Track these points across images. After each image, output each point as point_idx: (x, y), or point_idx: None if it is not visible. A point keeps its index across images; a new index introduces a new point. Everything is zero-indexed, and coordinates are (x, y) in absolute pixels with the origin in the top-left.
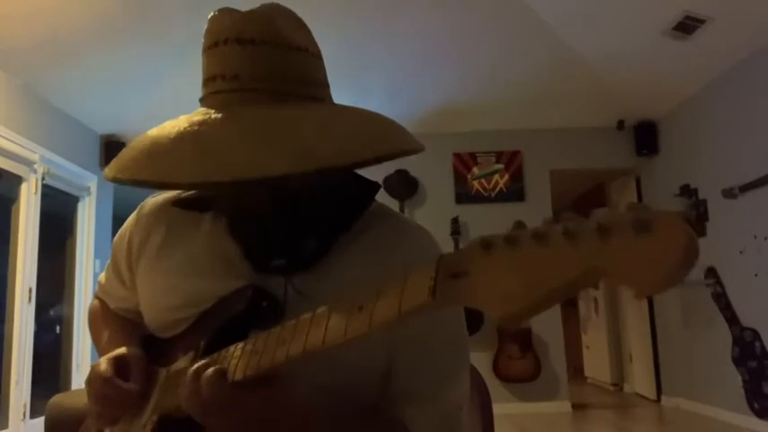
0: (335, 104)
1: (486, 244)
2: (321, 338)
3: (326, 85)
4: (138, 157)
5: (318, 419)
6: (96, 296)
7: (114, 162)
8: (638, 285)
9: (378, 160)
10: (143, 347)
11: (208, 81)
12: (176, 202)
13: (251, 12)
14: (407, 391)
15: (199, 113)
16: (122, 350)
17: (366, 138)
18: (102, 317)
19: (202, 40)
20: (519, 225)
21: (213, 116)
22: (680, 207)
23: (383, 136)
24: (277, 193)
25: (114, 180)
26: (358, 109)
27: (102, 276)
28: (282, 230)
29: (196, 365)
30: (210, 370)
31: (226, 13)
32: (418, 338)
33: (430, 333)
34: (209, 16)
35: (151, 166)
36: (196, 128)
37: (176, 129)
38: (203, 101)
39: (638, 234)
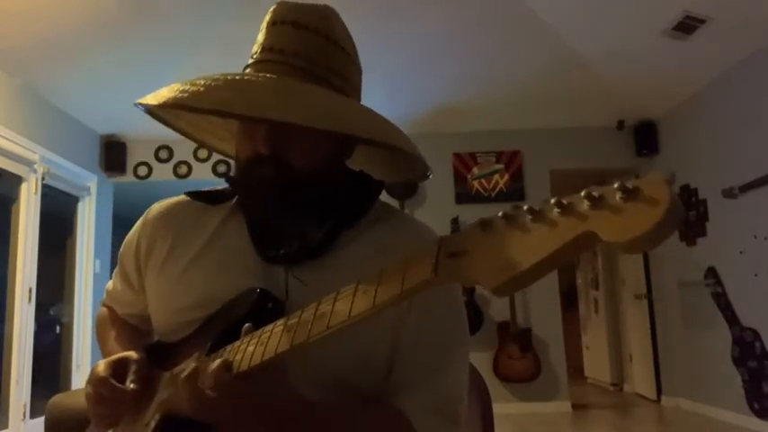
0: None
1: (485, 224)
2: (325, 324)
3: (357, 91)
4: (195, 90)
5: (319, 409)
6: (103, 304)
7: (155, 96)
8: (627, 242)
9: (380, 145)
10: (148, 354)
11: (257, 52)
12: (188, 193)
13: (313, 5)
14: (404, 381)
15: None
16: (124, 354)
17: (381, 125)
18: (111, 322)
19: (252, 25)
20: (516, 206)
21: (250, 74)
22: (663, 174)
23: (397, 134)
24: (282, 170)
25: (172, 105)
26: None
27: (109, 284)
28: (289, 216)
29: (198, 360)
30: (216, 362)
31: (291, 1)
32: (418, 331)
33: (429, 326)
34: (278, 1)
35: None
36: (237, 77)
37: (218, 77)
38: (249, 66)
39: (625, 198)
